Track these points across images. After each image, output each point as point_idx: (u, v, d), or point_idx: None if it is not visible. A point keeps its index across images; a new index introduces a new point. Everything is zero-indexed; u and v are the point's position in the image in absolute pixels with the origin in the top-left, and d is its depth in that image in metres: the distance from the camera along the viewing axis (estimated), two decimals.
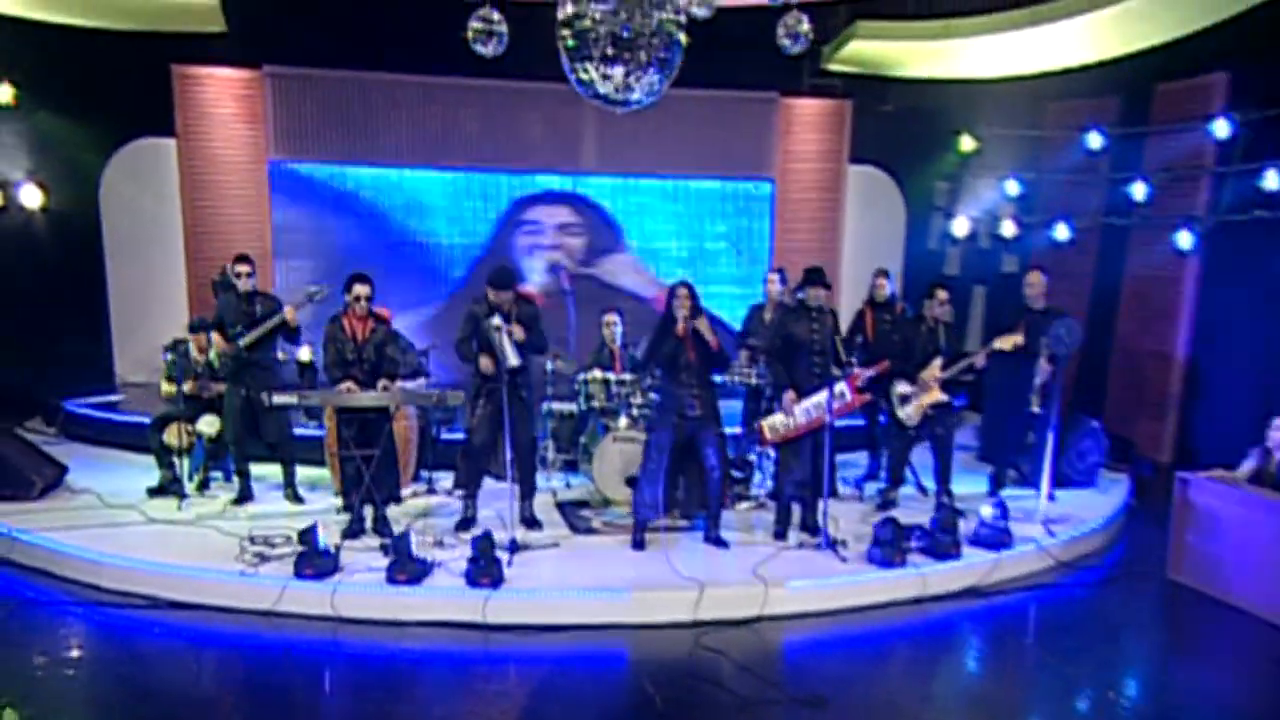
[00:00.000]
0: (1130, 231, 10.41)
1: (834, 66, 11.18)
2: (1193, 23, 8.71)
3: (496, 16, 6.31)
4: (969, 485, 8.17)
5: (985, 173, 11.58)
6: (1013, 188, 11.19)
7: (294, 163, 10.92)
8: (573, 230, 11.66)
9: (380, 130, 10.91)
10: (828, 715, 4.90)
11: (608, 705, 5.11)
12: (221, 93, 10.72)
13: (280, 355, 8.41)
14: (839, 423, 6.89)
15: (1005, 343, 7.44)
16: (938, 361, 7.48)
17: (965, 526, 6.96)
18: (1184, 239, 9.46)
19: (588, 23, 5.72)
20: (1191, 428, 9.81)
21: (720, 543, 6.80)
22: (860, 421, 8.58)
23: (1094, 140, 10.35)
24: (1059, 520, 7.40)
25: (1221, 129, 9.14)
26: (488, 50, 6.27)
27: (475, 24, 6.26)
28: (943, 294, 7.60)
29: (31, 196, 9.97)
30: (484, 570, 5.98)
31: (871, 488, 8.23)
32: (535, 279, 11.50)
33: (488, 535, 6.12)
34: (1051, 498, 7.99)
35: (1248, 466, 6.61)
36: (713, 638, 5.75)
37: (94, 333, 10.56)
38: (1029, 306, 8.00)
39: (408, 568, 6.03)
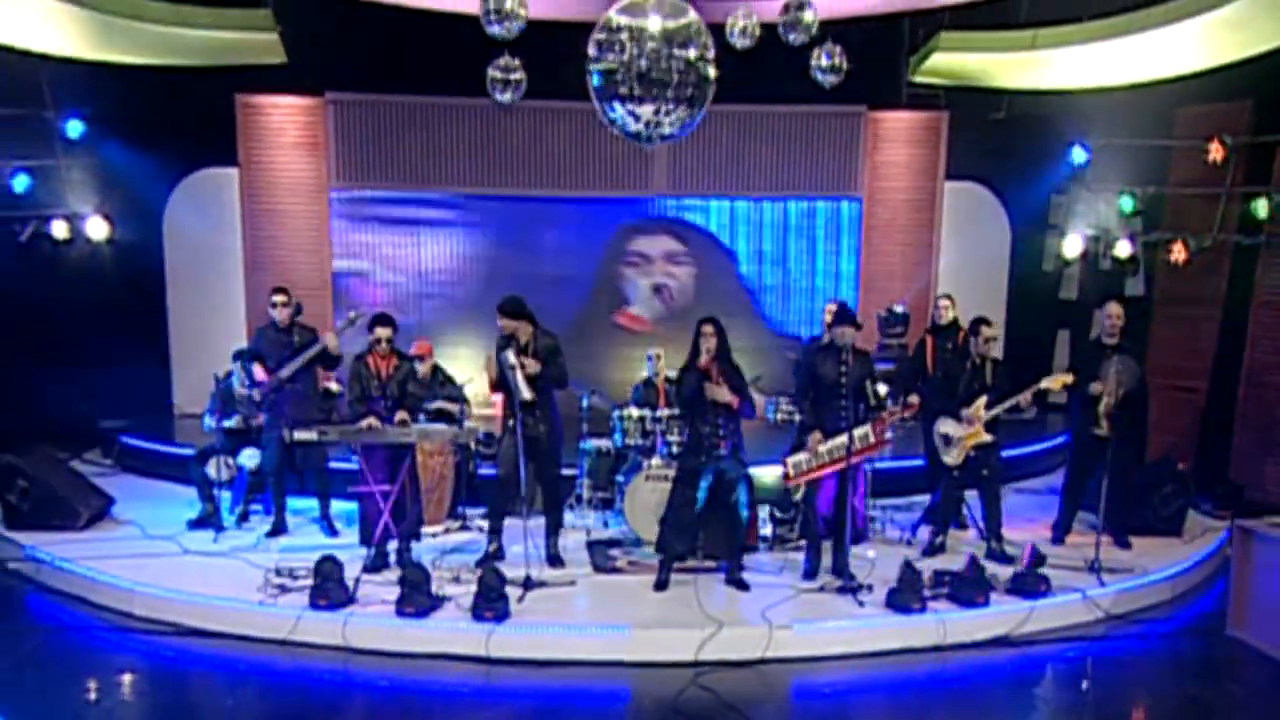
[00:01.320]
0: (1259, 250, 10.66)
1: (922, 79, 11.79)
2: None
3: (515, 63, 7.30)
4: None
5: (1101, 187, 11.96)
6: (1127, 204, 11.54)
7: (356, 190, 12.20)
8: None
9: (443, 155, 12.11)
10: None
11: None
12: (284, 120, 12.12)
13: (334, 386, 9.59)
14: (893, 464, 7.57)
15: (1054, 383, 7.97)
16: (982, 400, 8.05)
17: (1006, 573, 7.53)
18: None
19: (613, 64, 6.63)
20: None
21: (742, 585, 7.55)
22: (922, 463, 9.18)
23: (1215, 150, 10.65)
24: (1116, 569, 7.85)
25: None
26: (506, 98, 7.26)
27: (493, 72, 7.25)
28: (988, 330, 8.19)
29: (97, 229, 11.50)
30: (488, 605, 6.90)
31: (925, 532, 8.81)
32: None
33: (494, 570, 7.05)
34: (1126, 545, 8.45)
35: None
36: (711, 678, 6.52)
37: (154, 364, 12.04)
38: (1103, 341, 8.45)
39: (416, 600, 7.01)
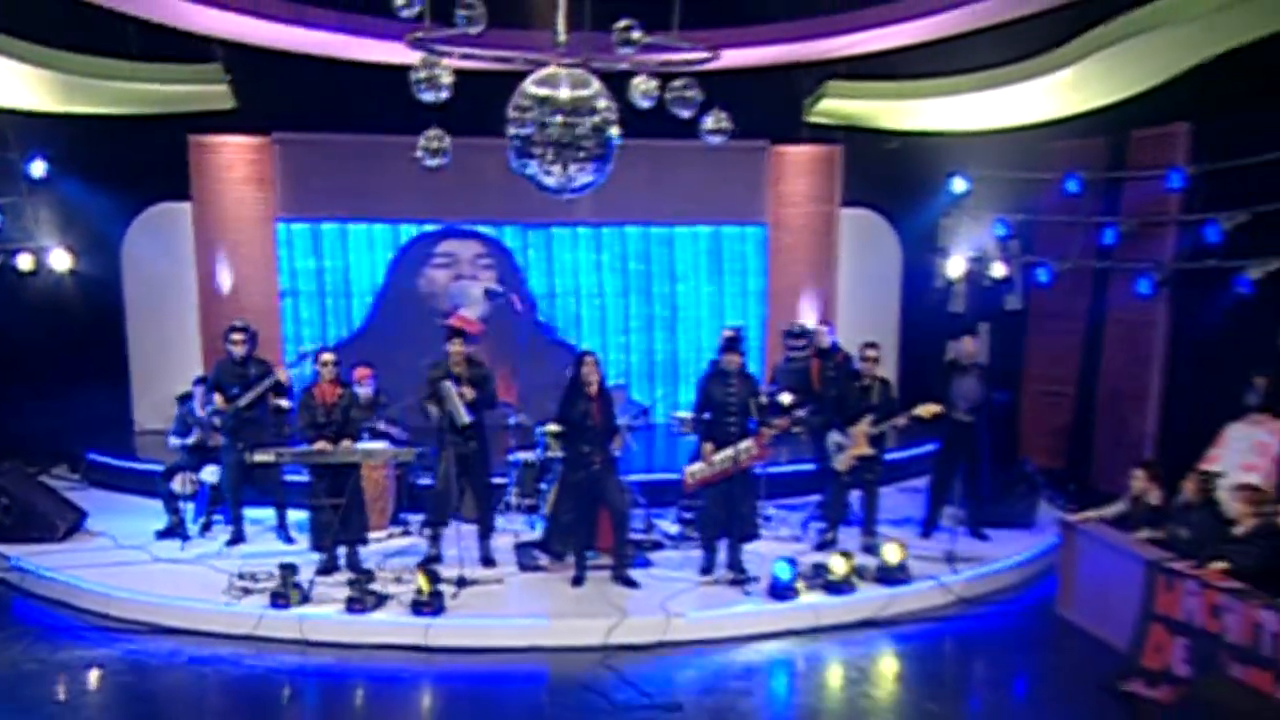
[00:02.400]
0: (1110, 275, 12.01)
1: (816, 119, 13.01)
2: (1134, 84, 10.31)
3: (442, 133, 8.25)
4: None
5: (979, 214, 13.25)
6: (1000, 229, 12.84)
7: (300, 221, 13.18)
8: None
9: (381, 188, 13.09)
10: (681, 716, 6.91)
11: (513, 713, 7.13)
12: (234, 158, 13.05)
13: (284, 404, 10.60)
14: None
15: (925, 411, 9.21)
16: (868, 418, 9.28)
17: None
18: (1143, 286, 11.04)
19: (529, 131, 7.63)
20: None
21: (630, 582, 8.71)
22: (814, 466, 10.40)
23: (1071, 185, 11.98)
24: (970, 558, 9.14)
25: (1174, 179, 10.75)
26: (434, 163, 8.23)
27: (422, 142, 8.22)
28: (871, 351, 9.43)
29: (61, 260, 12.34)
30: (426, 601, 8.01)
31: (815, 528, 10.02)
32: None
33: (430, 570, 8.16)
34: (985, 538, 9.75)
35: (1115, 509, 8.32)
36: (617, 659, 7.69)
37: (115, 385, 12.92)
38: (959, 364, 9.83)
39: (364, 599, 8.10)
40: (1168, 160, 11.08)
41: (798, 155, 13.76)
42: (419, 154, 7.84)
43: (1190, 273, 10.78)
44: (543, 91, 7.64)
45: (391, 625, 8.01)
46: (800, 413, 9.98)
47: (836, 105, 12.47)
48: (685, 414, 10.11)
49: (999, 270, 12.97)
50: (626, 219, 13.64)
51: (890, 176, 13.58)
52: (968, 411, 9.42)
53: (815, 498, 10.26)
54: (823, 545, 9.55)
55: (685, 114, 7.92)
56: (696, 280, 13.97)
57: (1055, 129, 12.00)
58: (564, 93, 7.62)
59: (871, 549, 9.25)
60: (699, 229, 13.88)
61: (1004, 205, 12.88)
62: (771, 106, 12.91)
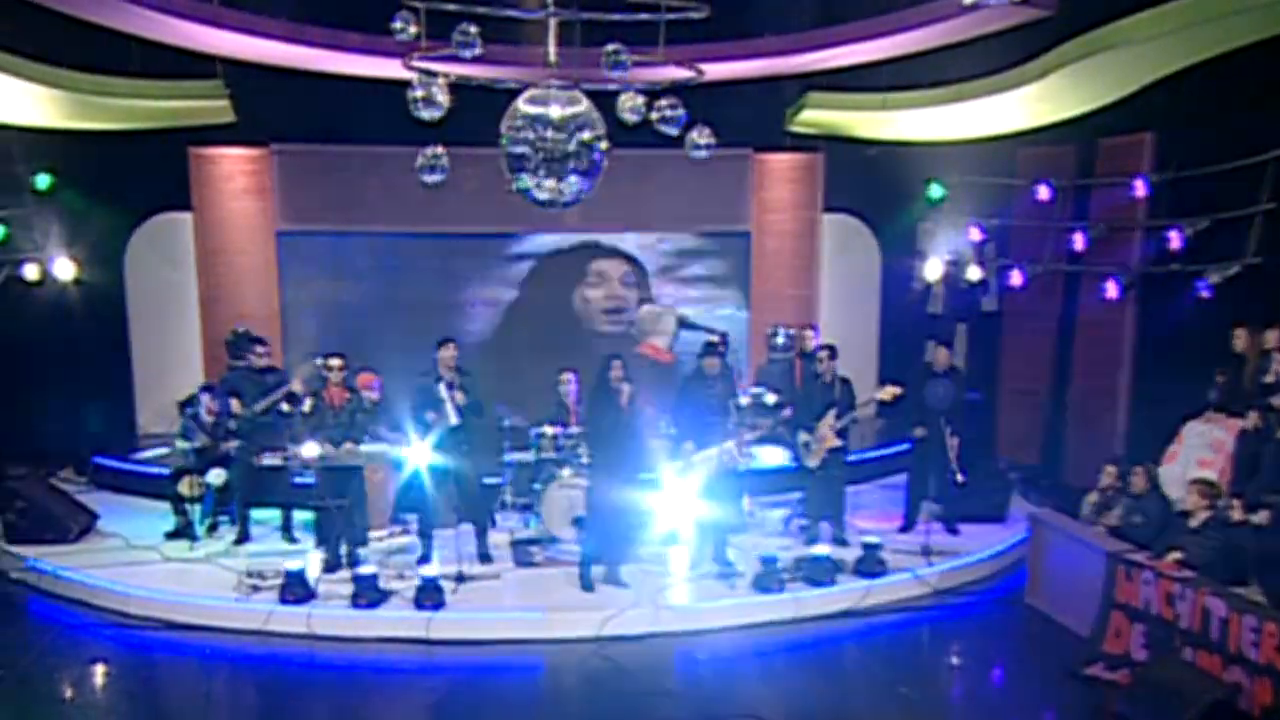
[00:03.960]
0: (1080, 278, 12.47)
1: (797, 129, 13.45)
2: (1099, 97, 10.77)
3: (441, 151, 8.63)
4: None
5: (955, 219, 13.69)
6: (975, 234, 13.30)
7: (300, 232, 13.56)
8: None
9: (379, 197, 13.47)
10: (671, 700, 7.36)
11: (512, 702, 7.56)
12: (234, 169, 13.42)
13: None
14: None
15: (885, 394, 9.68)
16: (832, 413, 9.73)
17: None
18: (1111, 289, 11.49)
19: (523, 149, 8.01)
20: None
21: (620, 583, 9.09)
22: (793, 465, 10.83)
23: (1042, 191, 12.44)
24: (944, 551, 9.62)
25: (1139, 187, 11.22)
26: (433, 179, 8.60)
27: (421, 159, 8.59)
28: (824, 354, 9.94)
29: (65, 270, 12.68)
30: (428, 595, 8.43)
31: (796, 525, 10.45)
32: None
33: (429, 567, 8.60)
34: (955, 531, 10.21)
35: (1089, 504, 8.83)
36: (611, 650, 8.12)
37: (119, 391, 13.30)
38: (933, 369, 10.34)
39: (368, 595, 8.53)
40: (1134, 168, 11.54)
41: (780, 163, 14.18)
42: (418, 170, 8.19)
43: (1155, 276, 11.24)
44: (535, 110, 8.04)
45: (395, 620, 8.43)
46: (786, 413, 10.37)
47: (817, 116, 12.92)
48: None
49: (974, 273, 13.43)
50: (613, 227, 14.02)
51: (870, 183, 14.02)
52: (941, 412, 9.84)
53: (796, 495, 10.70)
54: (810, 540, 9.96)
55: (671, 131, 8.33)
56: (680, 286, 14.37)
57: (1027, 137, 12.47)
58: (555, 110, 8.02)
59: (842, 541, 9.75)
60: (684, 236, 14.27)
61: (979, 210, 13.31)
62: (754, 117, 13.30)
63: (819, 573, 8.90)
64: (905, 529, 10.36)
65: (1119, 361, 12.02)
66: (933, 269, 13.95)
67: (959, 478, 9.90)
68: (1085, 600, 8.15)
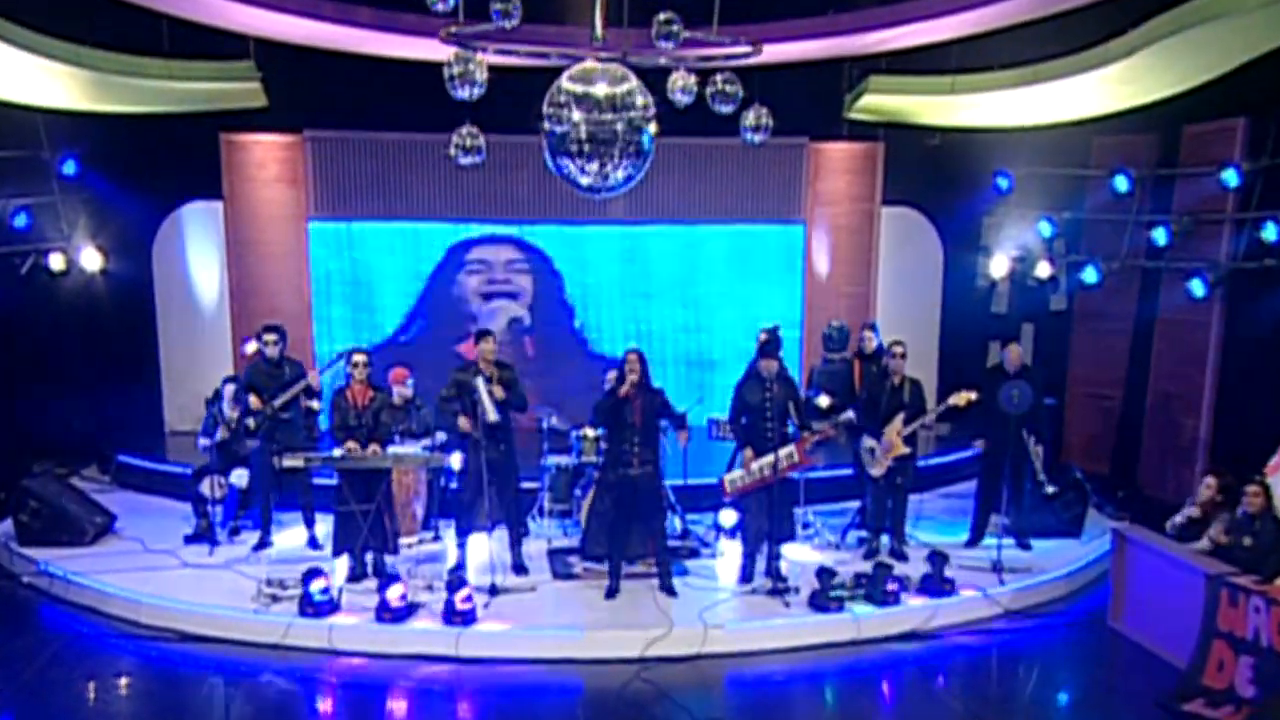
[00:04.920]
0: (1161, 275, 11.65)
1: (856, 116, 12.71)
2: (1189, 78, 9.95)
3: (476, 131, 8.03)
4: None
5: (1025, 211, 12.90)
6: (1045, 228, 12.49)
7: (332, 220, 13.03)
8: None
9: (414, 186, 12.93)
10: None
11: None
12: (265, 156, 12.91)
13: (315, 404, 10.43)
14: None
15: (960, 399, 8.93)
16: (900, 417, 9.00)
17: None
18: (1197, 287, 10.67)
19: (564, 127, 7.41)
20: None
21: (670, 591, 8.46)
22: (849, 472, 10.11)
23: (1120, 182, 11.62)
24: (1016, 569, 8.85)
25: (1230, 176, 10.38)
26: (467, 161, 8.01)
27: (455, 139, 8.01)
28: (899, 348, 9.21)
29: (92, 260, 12.24)
30: (457, 610, 7.80)
31: (854, 536, 9.73)
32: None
33: (461, 579, 7.94)
34: (1027, 546, 9.44)
35: (1181, 517, 8.02)
36: (653, 673, 7.45)
37: (146, 385, 12.84)
38: (1005, 370, 9.55)
39: (393, 607, 7.89)
40: (1223, 156, 10.73)
41: (837, 152, 13.46)
42: (452, 151, 7.65)
43: (1245, 272, 10.45)
44: (579, 88, 7.43)
45: (422, 634, 7.81)
46: (849, 414, 9.65)
47: (878, 101, 12.15)
48: (722, 418, 9.83)
49: (1044, 270, 12.64)
50: (661, 218, 13.36)
51: (932, 174, 13.28)
52: (1015, 418, 9.06)
53: (855, 504, 9.99)
54: (869, 554, 9.26)
55: (726, 110, 7.69)
56: (731, 281, 13.67)
57: (1103, 124, 11.67)
58: (601, 89, 7.41)
59: (900, 555, 9.08)
60: (735, 228, 13.57)
61: (1049, 203, 12.56)
62: (811, 103, 12.61)
63: (881, 590, 8.16)
64: (972, 543, 9.60)
65: (1203, 364, 11.20)
66: (998, 265, 13.19)
67: (1049, 489, 9.19)
68: (1180, 627, 7.37)
